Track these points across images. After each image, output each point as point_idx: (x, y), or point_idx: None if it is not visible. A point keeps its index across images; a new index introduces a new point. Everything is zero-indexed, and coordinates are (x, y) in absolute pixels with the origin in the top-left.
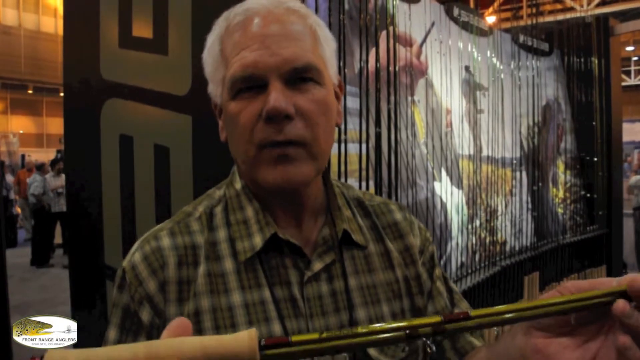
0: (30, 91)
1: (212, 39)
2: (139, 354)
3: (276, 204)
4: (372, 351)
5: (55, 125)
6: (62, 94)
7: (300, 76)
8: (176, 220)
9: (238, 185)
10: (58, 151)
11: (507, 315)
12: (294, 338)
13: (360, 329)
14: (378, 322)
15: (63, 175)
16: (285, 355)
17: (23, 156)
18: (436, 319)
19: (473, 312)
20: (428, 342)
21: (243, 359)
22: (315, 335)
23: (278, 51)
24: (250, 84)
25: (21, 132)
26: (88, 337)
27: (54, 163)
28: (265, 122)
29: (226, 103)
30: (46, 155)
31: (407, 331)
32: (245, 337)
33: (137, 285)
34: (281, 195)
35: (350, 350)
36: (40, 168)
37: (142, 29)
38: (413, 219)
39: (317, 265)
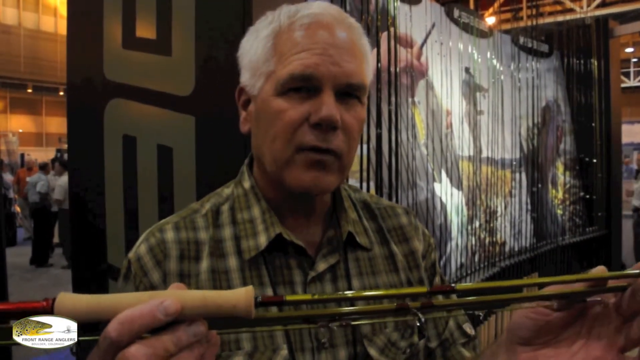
0: (29, 90)
1: (265, 32)
2: (143, 297)
3: (285, 205)
4: (372, 351)
5: (55, 124)
6: (61, 93)
7: (350, 92)
8: (182, 216)
9: (247, 184)
10: (58, 150)
11: (493, 297)
12: (288, 297)
13: (350, 294)
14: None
15: (63, 177)
16: (278, 320)
17: (22, 155)
18: (423, 289)
19: (458, 286)
20: (418, 313)
21: (239, 311)
22: (308, 296)
23: (340, 62)
24: (303, 85)
25: (20, 131)
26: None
27: (54, 162)
28: (313, 127)
29: (269, 98)
30: (45, 154)
31: (397, 304)
32: (242, 292)
33: (142, 276)
34: (301, 198)
35: (341, 317)
36: (43, 167)
37: (146, 30)
38: (418, 223)
39: (321, 266)
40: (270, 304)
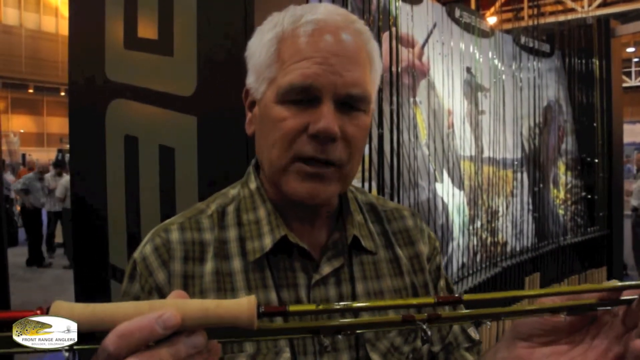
0: (30, 90)
1: (269, 36)
2: (142, 308)
3: (290, 208)
4: (375, 356)
5: (56, 124)
6: (62, 94)
7: (351, 103)
8: (188, 216)
9: (253, 185)
10: (59, 150)
11: (501, 310)
12: (292, 308)
13: (354, 304)
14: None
15: (65, 176)
16: (281, 330)
17: (24, 155)
18: (430, 299)
19: (465, 297)
20: (424, 326)
21: (241, 322)
22: (312, 307)
23: (341, 72)
24: (303, 96)
25: (22, 131)
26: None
27: (56, 165)
28: (311, 138)
29: (270, 104)
30: (47, 154)
31: (402, 316)
32: (244, 303)
33: (148, 275)
34: (303, 204)
35: (346, 330)
36: (31, 168)
37: (148, 30)
38: (424, 226)
39: (326, 269)
40: (274, 314)
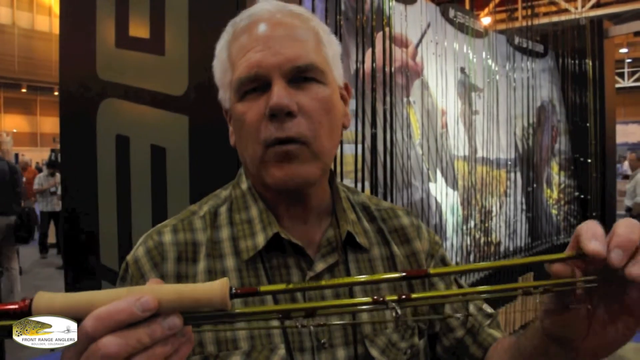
0: (24, 90)
1: (220, 46)
2: (120, 294)
3: (282, 204)
4: (374, 352)
5: (49, 124)
6: (56, 93)
7: (303, 75)
8: (180, 218)
9: (244, 185)
10: (52, 150)
11: (471, 290)
12: (262, 288)
13: (324, 282)
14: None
15: (58, 175)
16: (254, 314)
17: (17, 155)
18: (396, 274)
19: (431, 270)
20: (395, 306)
21: (215, 304)
22: (282, 286)
23: (281, 51)
24: (255, 85)
25: (15, 131)
26: None
27: (50, 164)
28: (269, 119)
29: (234, 105)
30: (40, 154)
31: (375, 297)
32: (217, 285)
33: (139, 278)
34: (287, 194)
35: (318, 310)
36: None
37: (139, 29)
38: (420, 223)
39: (320, 266)
40: (245, 295)
